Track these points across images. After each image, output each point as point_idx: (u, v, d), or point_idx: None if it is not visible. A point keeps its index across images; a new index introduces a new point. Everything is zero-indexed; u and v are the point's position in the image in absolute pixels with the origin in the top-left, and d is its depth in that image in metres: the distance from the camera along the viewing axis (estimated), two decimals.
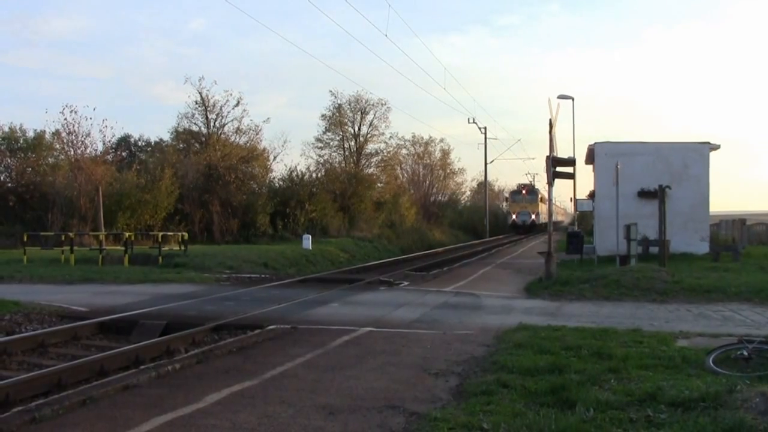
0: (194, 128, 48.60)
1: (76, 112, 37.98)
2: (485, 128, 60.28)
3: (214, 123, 47.75)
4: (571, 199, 33.47)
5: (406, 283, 17.71)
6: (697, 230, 25.20)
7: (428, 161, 69.97)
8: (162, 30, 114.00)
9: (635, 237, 20.29)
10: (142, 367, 8.02)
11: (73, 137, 38.45)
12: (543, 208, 72.42)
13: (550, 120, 18.87)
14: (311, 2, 29.30)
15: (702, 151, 25.61)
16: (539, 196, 70.51)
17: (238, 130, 48.24)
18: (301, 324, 10.99)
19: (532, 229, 69.54)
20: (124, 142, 53.69)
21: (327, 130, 61.37)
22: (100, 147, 40.22)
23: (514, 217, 70.53)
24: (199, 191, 41.30)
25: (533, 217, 70.23)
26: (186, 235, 27.05)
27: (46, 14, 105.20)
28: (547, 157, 18.53)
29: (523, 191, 71.47)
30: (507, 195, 76.46)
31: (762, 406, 5.75)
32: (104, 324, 11.66)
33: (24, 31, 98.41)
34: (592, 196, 29.57)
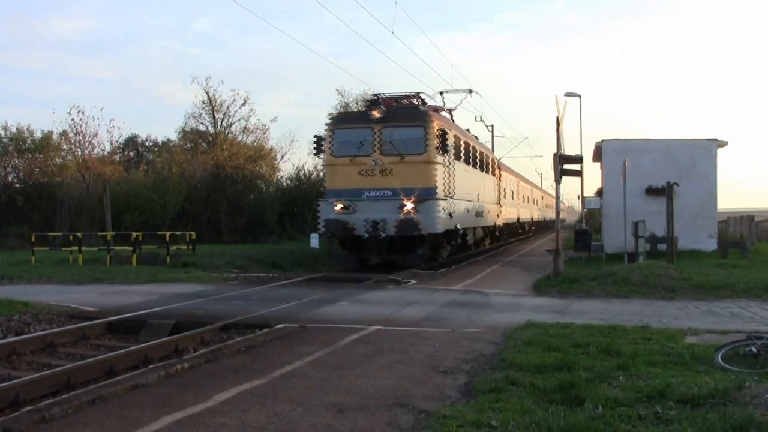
0: (201, 128, 48.79)
1: (83, 113, 38.27)
2: (492, 126, 59.67)
3: (222, 122, 47.92)
4: (578, 196, 33.37)
5: (414, 282, 17.70)
6: (705, 227, 25.10)
7: None
8: (168, 30, 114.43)
9: (643, 234, 20.22)
10: (151, 366, 8.05)
11: (81, 137, 38.74)
12: (465, 174, 24.31)
13: (557, 117, 18.82)
14: (317, 1, 29.15)
15: (710, 147, 25.51)
16: (433, 127, 20.42)
17: (245, 130, 48.42)
18: (310, 323, 11.00)
19: (420, 245, 20.63)
20: (132, 142, 53.98)
21: None
22: (107, 147, 40.54)
23: (338, 208, 20.49)
24: (206, 191, 41.46)
25: (409, 208, 19.75)
26: (194, 234, 27.10)
27: (49, 15, 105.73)
28: (555, 155, 18.50)
29: (374, 113, 20.61)
30: (322, 134, 22.11)
31: None
32: (113, 324, 11.70)
33: (23, 32, 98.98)
34: (599, 193, 29.50)
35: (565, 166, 18.84)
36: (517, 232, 45.03)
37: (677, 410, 5.83)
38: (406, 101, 22.61)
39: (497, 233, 34.57)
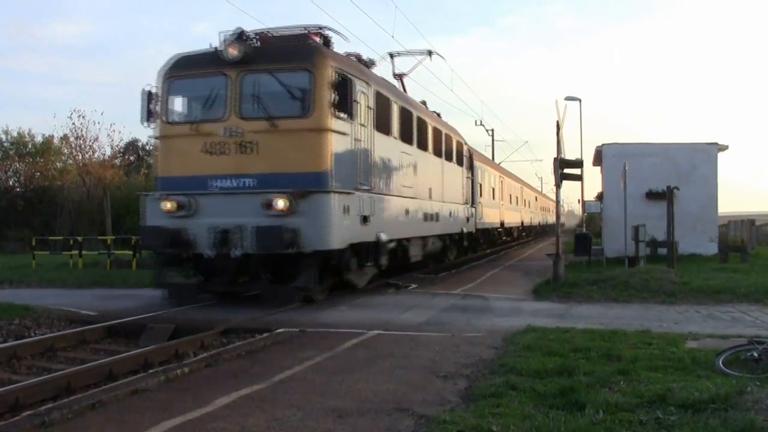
0: None
1: (84, 117, 38.34)
2: (492, 130, 59.76)
3: None
4: (578, 200, 33.40)
5: (414, 286, 17.66)
6: (705, 231, 25.10)
7: None
8: (166, 33, 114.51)
9: (643, 238, 20.23)
10: (151, 371, 8.05)
11: (81, 142, 38.79)
12: (401, 158, 16.95)
13: (558, 122, 18.86)
14: (316, 4, 29.18)
15: (710, 151, 25.53)
16: (325, 71, 12.85)
17: None
18: (310, 327, 10.98)
19: (302, 270, 13.07)
20: (132, 146, 54.01)
21: None
22: (108, 151, 40.56)
23: (166, 207, 13.06)
24: None
25: (281, 206, 12.46)
26: None
27: (48, 19, 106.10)
28: (555, 159, 18.52)
29: (229, 50, 12.88)
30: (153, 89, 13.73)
31: None
32: (113, 328, 11.68)
33: (21, 36, 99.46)
34: (600, 197, 29.52)
35: (566, 171, 18.86)
36: (500, 239, 36.53)
37: (678, 415, 5.82)
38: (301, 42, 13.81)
39: (466, 242, 25.92)
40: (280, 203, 12.41)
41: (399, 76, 22.06)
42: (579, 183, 22.90)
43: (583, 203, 32.19)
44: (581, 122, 33.57)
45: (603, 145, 26.46)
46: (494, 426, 5.59)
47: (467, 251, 27.44)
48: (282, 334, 10.34)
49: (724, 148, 26.01)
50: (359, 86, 13.99)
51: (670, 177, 23.16)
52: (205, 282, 13.76)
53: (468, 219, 25.22)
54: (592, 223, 43.41)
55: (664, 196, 21.32)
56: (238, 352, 8.95)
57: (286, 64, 13.04)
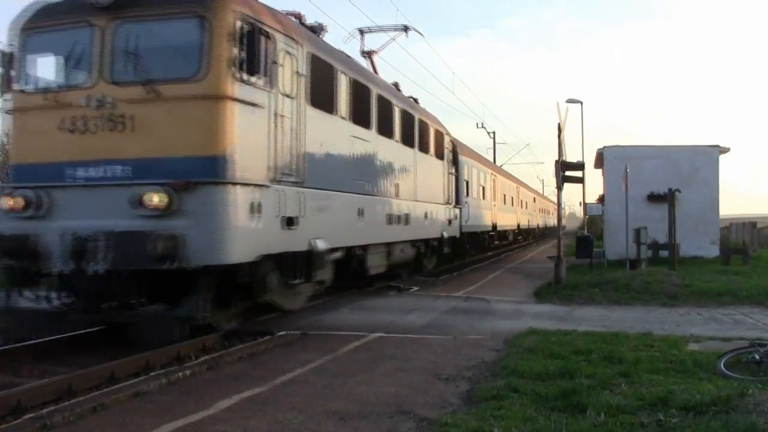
0: None
1: None
2: (494, 132, 59.84)
3: None
4: (580, 203, 33.41)
5: (416, 288, 17.66)
6: (707, 233, 25.10)
7: None
8: None
9: (645, 241, 20.23)
10: (153, 373, 8.04)
11: None
12: (354, 144, 13.48)
13: (559, 124, 18.87)
14: (316, 5, 29.07)
15: (711, 154, 25.54)
16: (225, 16, 9.18)
17: None
18: (311, 330, 10.98)
19: (194, 293, 9.39)
20: None
21: None
22: None
23: (8, 205, 9.59)
24: None
25: (155, 202, 8.83)
26: None
27: None
28: (556, 162, 18.53)
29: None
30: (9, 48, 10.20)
31: None
32: (114, 330, 11.66)
33: None
34: (601, 200, 29.52)
35: (567, 173, 18.87)
36: (491, 244, 32.97)
37: (680, 418, 5.82)
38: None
39: (447, 249, 22.02)
40: (155, 199, 8.94)
41: (368, 54, 19.72)
42: (580, 185, 22.92)
43: (585, 205, 32.19)
44: (582, 125, 33.56)
45: (604, 147, 26.48)
46: (496, 428, 5.60)
47: (452, 258, 24.20)
48: (283, 336, 10.34)
49: (725, 150, 26.03)
50: (282, 44, 10.51)
51: (671, 179, 23.18)
52: (67, 306, 10.01)
53: (450, 221, 21.75)
54: (593, 225, 43.40)
55: (665, 198, 21.33)
56: (239, 355, 8.96)
57: (171, 9, 9.57)
